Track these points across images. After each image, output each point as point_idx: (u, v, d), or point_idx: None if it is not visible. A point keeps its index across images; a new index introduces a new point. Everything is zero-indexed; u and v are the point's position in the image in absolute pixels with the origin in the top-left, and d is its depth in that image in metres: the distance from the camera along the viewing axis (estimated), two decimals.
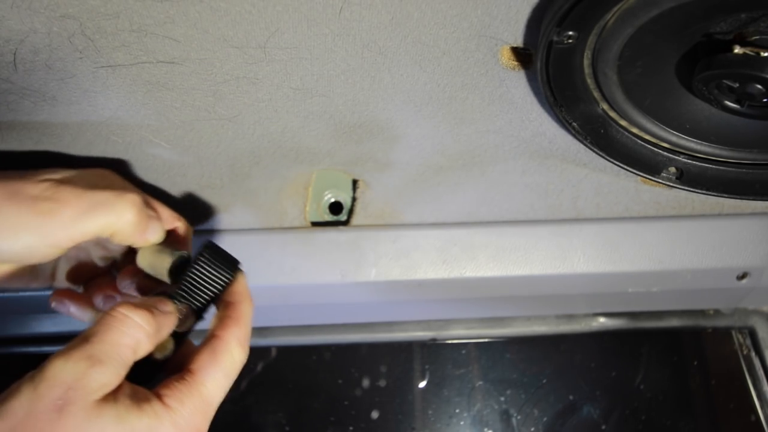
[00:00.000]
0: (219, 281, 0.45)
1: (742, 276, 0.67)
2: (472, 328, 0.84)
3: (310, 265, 0.64)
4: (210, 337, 0.42)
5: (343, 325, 0.82)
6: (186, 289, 0.45)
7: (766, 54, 0.37)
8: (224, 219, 0.64)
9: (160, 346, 0.42)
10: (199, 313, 0.45)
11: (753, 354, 0.85)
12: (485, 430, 0.90)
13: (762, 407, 0.83)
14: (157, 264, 0.46)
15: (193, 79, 0.46)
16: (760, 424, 0.83)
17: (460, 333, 0.84)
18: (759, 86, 0.39)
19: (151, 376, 0.41)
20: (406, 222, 0.65)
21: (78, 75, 0.45)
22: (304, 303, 0.68)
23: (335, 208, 0.64)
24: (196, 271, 0.45)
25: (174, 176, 0.58)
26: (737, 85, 0.40)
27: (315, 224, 0.65)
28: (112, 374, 0.36)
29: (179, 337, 0.43)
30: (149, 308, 0.40)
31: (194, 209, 0.62)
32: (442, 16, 0.41)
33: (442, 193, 0.62)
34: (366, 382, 0.92)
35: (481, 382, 0.92)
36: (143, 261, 0.47)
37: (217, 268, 0.45)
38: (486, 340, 0.91)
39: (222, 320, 0.43)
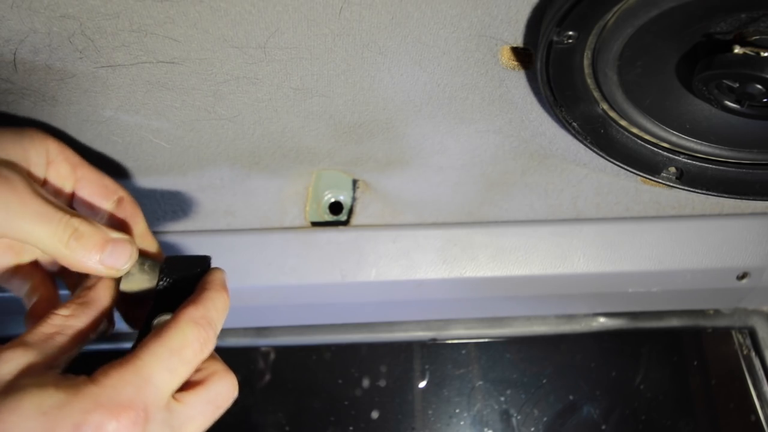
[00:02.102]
0: (190, 286, 0.43)
1: (742, 276, 0.67)
2: (472, 328, 0.84)
3: (310, 265, 0.64)
4: None
5: (343, 325, 0.82)
6: (162, 302, 0.43)
7: (766, 54, 0.37)
8: (224, 219, 0.64)
9: None
10: None
11: (753, 354, 0.85)
12: (485, 430, 0.90)
13: (762, 407, 0.83)
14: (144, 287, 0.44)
15: (193, 79, 0.46)
16: (760, 424, 0.83)
17: (460, 333, 0.84)
18: (759, 86, 0.39)
19: None
20: (406, 222, 0.65)
21: (78, 75, 0.45)
22: (304, 303, 0.68)
23: (335, 208, 0.64)
24: (166, 286, 0.43)
25: (174, 176, 0.58)
26: (737, 85, 0.40)
27: (315, 224, 0.65)
28: (34, 356, 0.35)
29: None
30: (78, 295, 0.39)
31: (194, 209, 0.62)
32: (442, 16, 0.41)
33: (442, 193, 0.62)
34: (366, 382, 0.92)
35: (481, 382, 0.92)
36: (127, 286, 0.43)
37: (183, 276, 0.44)
38: (486, 340, 0.91)
39: (182, 305, 0.40)
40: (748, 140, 0.48)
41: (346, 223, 0.65)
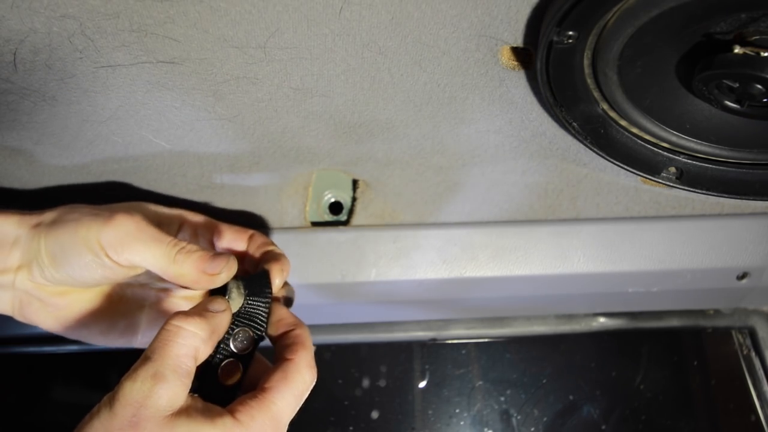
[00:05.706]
0: (268, 304, 0.48)
1: (742, 276, 0.67)
2: (472, 328, 0.84)
3: (310, 265, 0.64)
4: (282, 360, 0.44)
5: (343, 325, 0.82)
6: (245, 315, 0.47)
7: (766, 54, 0.37)
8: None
9: (229, 373, 0.44)
10: (259, 336, 0.47)
11: (753, 354, 0.85)
12: (485, 430, 0.90)
13: (762, 407, 0.83)
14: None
15: (193, 79, 0.46)
16: (760, 424, 0.83)
17: (460, 333, 0.84)
18: (759, 86, 0.39)
19: (225, 402, 0.42)
20: (406, 222, 0.65)
21: (78, 75, 0.45)
22: (304, 303, 0.68)
23: (335, 208, 0.64)
24: (252, 302, 0.48)
25: (174, 176, 0.58)
26: (737, 85, 0.40)
27: (315, 224, 0.65)
28: (178, 387, 0.39)
29: (245, 360, 0.46)
30: (201, 313, 0.42)
31: (194, 209, 0.62)
32: (442, 16, 0.41)
33: (442, 193, 0.62)
34: (366, 382, 0.92)
35: (481, 382, 0.92)
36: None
37: (266, 294, 0.48)
38: (486, 340, 0.90)
39: (290, 346, 0.45)
40: (748, 140, 0.48)
41: (346, 223, 0.65)
